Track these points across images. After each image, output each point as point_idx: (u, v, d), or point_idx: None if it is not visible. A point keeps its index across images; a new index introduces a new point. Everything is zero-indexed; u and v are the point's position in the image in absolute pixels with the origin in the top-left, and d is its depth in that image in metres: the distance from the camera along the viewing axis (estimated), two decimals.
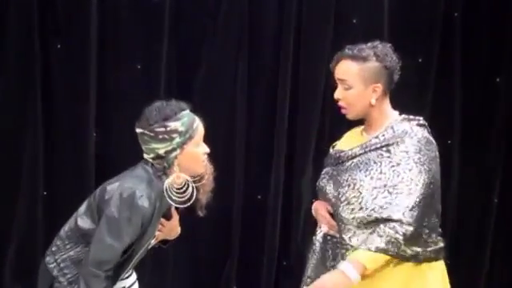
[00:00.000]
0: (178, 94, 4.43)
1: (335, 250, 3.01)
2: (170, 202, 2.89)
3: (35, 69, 4.34)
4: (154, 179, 2.91)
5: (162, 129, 2.86)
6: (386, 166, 2.89)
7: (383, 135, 2.96)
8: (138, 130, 2.92)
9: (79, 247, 2.97)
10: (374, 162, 2.92)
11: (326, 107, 4.64)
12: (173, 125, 2.86)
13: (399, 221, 2.82)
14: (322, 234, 3.08)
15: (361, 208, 2.89)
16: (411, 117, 3.03)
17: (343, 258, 2.92)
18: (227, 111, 4.63)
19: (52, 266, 2.98)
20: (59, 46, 4.40)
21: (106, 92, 4.47)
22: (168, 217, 3.08)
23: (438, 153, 2.97)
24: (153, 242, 3.07)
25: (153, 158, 2.91)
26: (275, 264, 4.73)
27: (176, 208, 3.08)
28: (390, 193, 2.86)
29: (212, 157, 4.64)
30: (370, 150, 2.96)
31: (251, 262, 4.73)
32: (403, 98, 4.43)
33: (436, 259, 2.99)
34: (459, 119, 4.86)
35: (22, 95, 4.38)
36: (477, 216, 4.94)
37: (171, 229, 3.12)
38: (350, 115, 3.01)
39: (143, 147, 2.94)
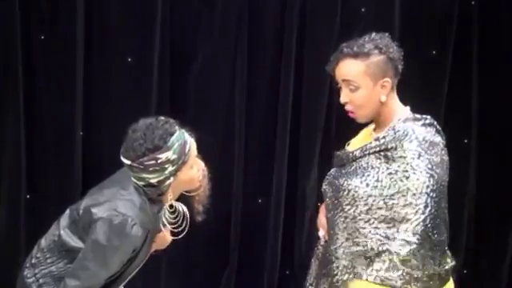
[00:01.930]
0: (171, 89, 4.35)
1: (326, 255, 2.95)
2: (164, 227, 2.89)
3: (16, 62, 4.25)
4: (147, 203, 2.80)
5: (153, 161, 2.72)
6: (384, 173, 2.77)
7: (384, 137, 2.84)
8: (126, 162, 2.76)
9: (61, 263, 2.85)
10: (372, 168, 2.81)
11: (333, 103, 4.53)
12: (164, 156, 2.72)
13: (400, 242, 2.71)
14: (323, 238, 3.03)
15: (354, 217, 2.80)
16: (417, 116, 2.90)
17: (330, 267, 2.86)
18: (225, 107, 4.55)
19: (30, 280, 2.87)
20: (43, 37, 4.32)
21: (93, 87, 4.40)
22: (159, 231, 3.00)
23: (446, 156, 2.87)
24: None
25: (144, 186, 2.80)
26: (277, 273, 4.66)
27: None
28: (385, 203, 2.74)
29: (209, 157, 4.49)
30: (369, 154, 2.85)
31: (251, 271, 4.66)
32: (416, 94, 4.29)
33: (447, 280, 2.86)
34: (476, 117, 4.77)
35: (2, 91, 4.29)
36: (496, 220, 4.85)
37: (162, 242, 3.04)
38: (361, 119, 2.90)
39: (132, 175, 2.80)
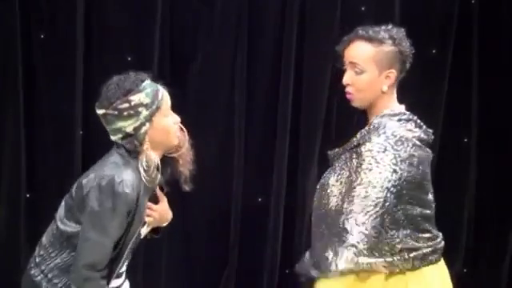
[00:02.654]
0: (171, 88, 4.31)
1: None
2: (147, 182, 2.80)
3: (16, 62, 4.24)
4: (130, 161, 2.81)
5: (126, 104, 2.75)
6: (353, 168, 2.78)
7: (361, 133, 2.85)
8: (100, 112, 2.81)
9: (65, 253, 2.85)
10: (346, 165, 2.83)
11: (333, 102, 4.55)
12: (136, 98, 2.76)
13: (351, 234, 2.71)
14: None
15: (325, 213, 2.83)
16: (396, 111, 2.87)
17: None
18: (224, 106, 4.52)
19: (39, 278, 2.86)
20: (42, 37, 4.31)
21: (93, 87, 4.18)
22: (156, 201, 2.99)
23: (418, 151, 2.80)
24: (144, 230, 2.98)
25: (121, 138, 2.81)
26: (277, 272, 4.63)
27: (161, 189, 3.02)
28: (348, 196, 2.75)
29: (208, 156, 4.48)
30: (346, 151, 2.86)
31: (251, 270, 4.63)
32: (416, 93, 4.27)
33: (422, 265, 2.84)
34: (476, 116, 4.75)
35: (2, 90, 4.29)
36: (496, 220, 4.83)
37: (162, 214, 3.02)
38: (356, 102, 2.91)
39: (108, 129, 2.84)
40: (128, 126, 2.77)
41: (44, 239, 2.93)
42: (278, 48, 4.49)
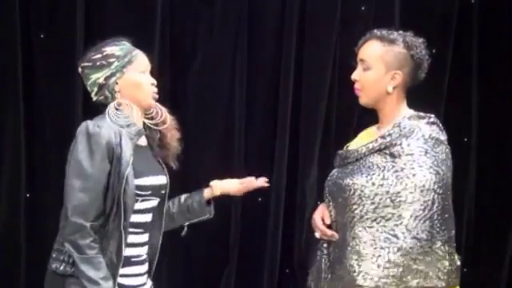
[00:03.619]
0: (171, 88, 4.33)
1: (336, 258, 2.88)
2: (118, 123, 2.81)
3: (16, 62, 4.23)
4: (108, 114, 2.86)
5: (99, 55, 2.89)
6: (390, 170, 2.77)
7: (389, 134, 2.84)
8: (79, 69, 2.93)
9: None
10: (377, 167, 2.80)
11: (333, 102, 4.55)
12: (109, 49, 2.90)
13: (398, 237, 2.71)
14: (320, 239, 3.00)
15: (361, 217, 2.78)
16: (421, 114, 2.92)
17: (343, 270, 2.80)
18: (224, 107, 4.52)
19: (62, 267, 2.81)
20: (42, 36, 4.31)
21: None
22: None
23: (449, 154, 2.86)
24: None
25: (96, 93, 2.90)
26: (277, 272, 4.61)
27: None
28: (392, 201, 2.73)
29: (208, 156, 4.48)
30: (374, 152, 2.84)
31: (251, 270, 4.62)
32: (415, 93, 4.25)
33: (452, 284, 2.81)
34: (476, 115, 4.76)
35: (2, 89, 4.27)
36: (496, 220, 4.83)
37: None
38: (363, 100, 2.92)
39: (88, 88, 2.93)
40: (100, 76, 2.86)
41: (58, 236, 2.90)
42: (277, 48, 4.49)
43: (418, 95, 4.33)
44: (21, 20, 4.21)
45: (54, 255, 2.85)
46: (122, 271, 2.81)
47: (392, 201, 2.73)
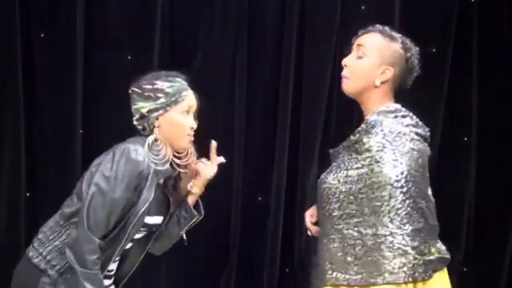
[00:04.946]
0: None
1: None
2: (152, 161, 2.83)
3: (16, 61, 4.25)
4: (143, 142, 2.88)
5: (149, 86, 2.91)
6: (352, 167, 2.80)
7: (358, 131, 2.85)
8: (130, 90, 2.97)
9: (64, 235, 2.86)
10: (343, 163, 2.84)
11: (333, 102, 4.55)
12: (160, 84, 2.91)
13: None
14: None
15: (329, 214, 2.81)
16: (392, 108, 2.88)
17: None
18: (224, 106, 4.54)
19: (38, 260, 2.86)
20: (43, 36, 4.32)
21: (93, 85, 4.39)
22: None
23: (419, 146, 2.82)
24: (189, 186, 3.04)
25: (137, 120, 2.93)
26: (277, 271, 4.61)
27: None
28: (355, 198, 2.76)
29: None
30: (345, 149, 2.88)
31: (251, 269, 4.63)
32: (415, 92, 4.26)
33: (435, 269, 2.81)
34: (476, 114, 4.75)
35: (2, 89, 4.28)
36: (496, 220, 4.81)
37: (204, 173, 3.07)
38: (349, 87, 2.91)
39: (132, 110, 2.96)
40: (145, 107, 2.88)
41: (43, 227, 2.95)
42: (277, 48, 4.50)
43: (419, 95, 4.35)
44: (21, 20, 4.22)
45: (35, 244, 2.89)
46: None
47: (355, 198, 2.75)
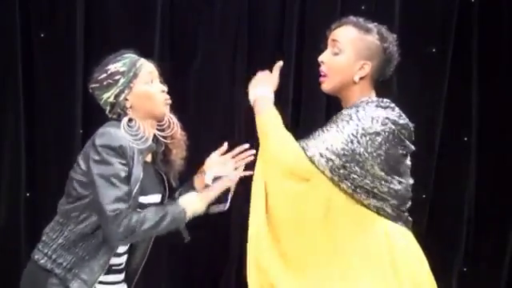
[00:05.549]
0: (170, 88, 4.30)
1: None
2: (132, 140, 2.82)
3: (16, 61, 4.26)
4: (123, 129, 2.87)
5: (104, 74, 2.89)
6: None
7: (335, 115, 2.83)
8: (89, 89, 2.95)
9: (66, 231, 2.85)
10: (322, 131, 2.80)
11: (333, 102, 4.39)
12: (112, 67, 2.89)
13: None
14: None
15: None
16: (373, 99, 2.81)
17: None
18: (225, 106, 4.54)
19: (43, 261, 2.85)
20: (43, 36, 4.33)
21: None
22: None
23: (386, 130, 2.70)
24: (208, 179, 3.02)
25: (109, 111, 2.92)
26: None
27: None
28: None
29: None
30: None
31: None
32: (415, 92, 4.25)
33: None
34: (476, 114, 4.76)
35: (2, 89, 4.29)
36: (496, 220, 4.83)
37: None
38: (327, 85, 2.85)
39: (101, 106, 2.94)
40: (110, 95, 2.87)
41: (45, 229, 2.94)
42: (278, 48, 4.50)
43: (419, 94, 4.34)
44: (21, 20, 4.23)
45: (39, 246, 2.88)
46: (102, 278, 2.85)
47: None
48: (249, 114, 4.52)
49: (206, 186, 3.03)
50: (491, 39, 4.68)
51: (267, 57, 4.51)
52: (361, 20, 2.84)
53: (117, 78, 2.86)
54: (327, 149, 2.70)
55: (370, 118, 2.70)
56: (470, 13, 4.64)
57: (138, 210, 2.83)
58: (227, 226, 4.57)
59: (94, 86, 2.91)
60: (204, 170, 3.05)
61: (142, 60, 2.93)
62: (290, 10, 4.46)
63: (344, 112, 2.77)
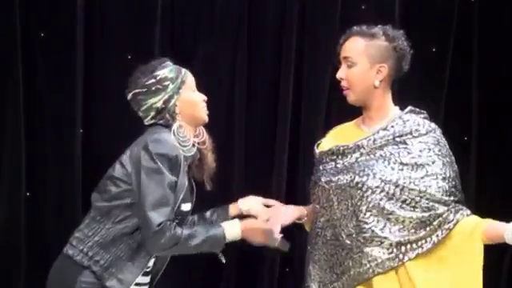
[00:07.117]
0: None
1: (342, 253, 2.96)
2: (182, 148, 2.87)
3: (16, 60, 4.26)
4: (166, 131, 2.91)
5: (153, 80, 2.89)
6: (405, 157, 2.81)
7: (392, 126, 2.86)
8: (130, 95, 2.93)
9: (103, 229, 2.86)
10: (391, 154, 2.82)
11: (333, 102, 4.53)
12: (161, 73, 2.90)
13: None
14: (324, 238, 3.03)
15: (389, 199, 2.79)
16: (417, 109, 2.95)
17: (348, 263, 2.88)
18: (225, 106, 4.53)
19: (80, 257, 2.85)
20: (43, 35, 4.34)
21: (93, 85, 4.40)
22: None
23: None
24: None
25: (153, 117, 2.92)
26: (277, 270, 4.62)
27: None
28: (416, 185, 2.77)
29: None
30: (380, 143, 2.85)
31: (251, 269, 4.63)
32: (415, 91, 4.25)
33: None
34: (476, 114, 4.75)
35: (2, 89, 4.30)
36: (496, 219, 4.66)
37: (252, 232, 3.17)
38: (352, 97, 2.91)
39: (140, 112, 2.93)
40: (158, 101, 2.88)
41: (79, 226, 2.93)
42: (278, 48, 4.50)
43: (419, 94, 4.34)
44: (21, 20, 4.23)
45: (73, 242, 2.87)
46: (137, 279, 2.88)
47: (416, 185, 2.78)
48: (249, 113, 4.56)
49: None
50: (491, 39, 4.67)
51: (267, 57, 4.54)
52: (364, 27, 2.89)
53: (166, 83, 2.89)
54: None
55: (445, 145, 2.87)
56: (470, 13, 4.64)
57: (177, 217, 2.86)
58: None
59: (139, 90, 2.90)
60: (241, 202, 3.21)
61: (185, 69, 2.99)
62: (290, 9, 4.47)
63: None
